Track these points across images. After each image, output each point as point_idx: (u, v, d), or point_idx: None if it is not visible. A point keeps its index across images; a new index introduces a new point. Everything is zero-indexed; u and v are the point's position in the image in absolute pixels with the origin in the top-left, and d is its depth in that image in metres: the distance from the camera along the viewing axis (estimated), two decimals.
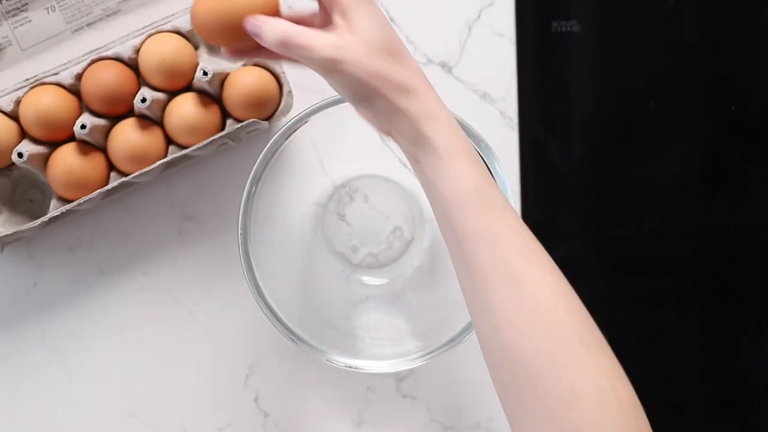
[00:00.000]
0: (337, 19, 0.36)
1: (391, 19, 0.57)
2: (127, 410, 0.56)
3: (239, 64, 0.54)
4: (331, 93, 0.47)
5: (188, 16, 0.52)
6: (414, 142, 0.36)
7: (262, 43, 0.37)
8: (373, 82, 0.35)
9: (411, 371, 0.56)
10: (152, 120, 0.52)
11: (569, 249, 0.59)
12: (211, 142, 0.51)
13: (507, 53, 0.57)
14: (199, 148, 0.51)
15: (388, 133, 0.37)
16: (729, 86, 0.60)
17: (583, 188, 0.59)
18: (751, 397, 0.60)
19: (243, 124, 0.51)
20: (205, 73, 0.50)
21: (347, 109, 0.47)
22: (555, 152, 0.58)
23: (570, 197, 0.59)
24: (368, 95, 0.36)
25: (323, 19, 0.39)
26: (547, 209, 0.58)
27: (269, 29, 0.36)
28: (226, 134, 0.51)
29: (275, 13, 0.38)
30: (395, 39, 0.36)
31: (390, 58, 0.36)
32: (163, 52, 0.51)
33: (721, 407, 0.60)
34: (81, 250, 0.56)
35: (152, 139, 0.52)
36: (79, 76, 0.52)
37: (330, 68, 0.35)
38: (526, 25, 0.57)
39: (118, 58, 0.52)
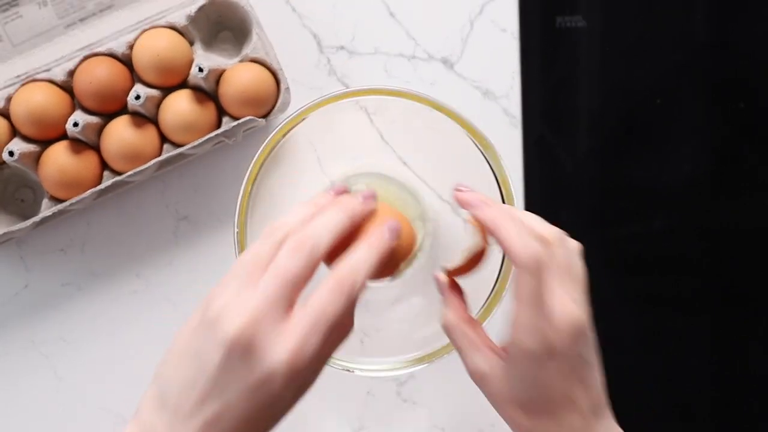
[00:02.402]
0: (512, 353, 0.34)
1: (392, 14, 0.56)
2: (120, 416, 0.55)
3: (235, 59, 0.53)
4: (330, 89, 0.46)
5: (183, 11, 0.51)
6: None
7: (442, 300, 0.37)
8: (500, 414, 0.35)
9: (411, 375, 0.55)
10: (146, 117, 0.52)
11: None
12: (207, 140, 0.50)
13: (510, 49, 0.56)
14: (194, 147, 0.50)
15: None
16: (738, 83, 0.59)
17: (588, 187, 0.58)
18: (758, 399, 0.59)
19: (239, 122, 0.50)
20: (200, 70, 0.50)
21: (346, 107, 0.47)
22: (560, 150, 0.58)
23: (575, 196, 0.58)
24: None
25: None
26: (552, 208, 0.57)
27: (450, 303, 0.37)
28: (222, 132, 0.50)
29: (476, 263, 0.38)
30: (550, 401, 0.33)
31: (529, 415, 0.34)
32: (157, 47, 0.50)
33: (728, 409, 0.59)
34: (73, 252, 0.55)
35: (146, 137, 0.51)
36: (71, 73, 0.51)
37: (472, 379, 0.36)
38: (530, 20, 0.56)
39: (111, 54, 0.51)
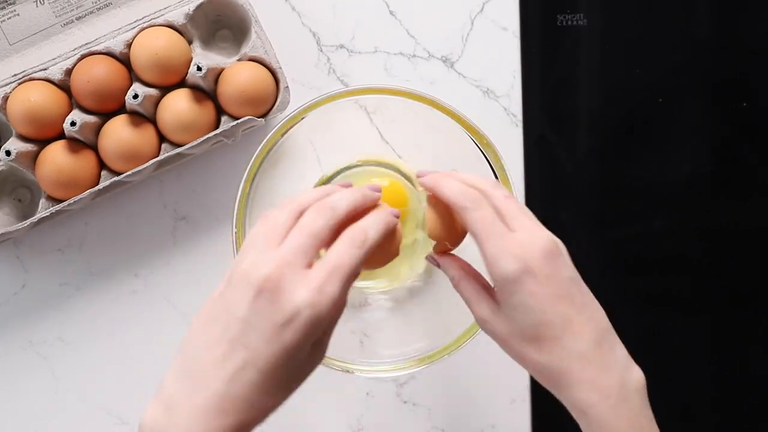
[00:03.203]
0: (497, 292, 0.37)
1: (392, 13, 0.56)
2: (118, 417, 0.55)
3: (234, 58, 0.52)
4: (329, 89, 0.46)
5: (181, 9, 0.51)
6: (572, 409, 0.36)
7: (443, 270, 0.40)
8: (514, 359, 0.37)
9: (411, 376, 0.55)
10: (144, 117, 0.51)
11: (575, 248, 0.57)
12: (205, 140, 0.49)
13: (511, 47, 0.56)
14: (193, 147, 0.50)
15: None
16: (739, 83, 0.59)
17: (589, 187, 0.58)
18: (758, 399, 0.59)
19: (239, 121, 0.50)
20: (199, 69, 0.49)
21: (345, 105, 0.46)
22: (560, 150, 0.58)
23: (576, 196, 0.58)
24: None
25: None
26: (553, 208, 0.57)
27: (449, 267, 0.40)
28: (221, 132, 0.50)
29: (456, 237, 0.41)
30: (546, 322, 0.35)
31: (530, 346, 0.35)
32: (155, 46, 0.50)
33: (728, 409, 0.59)
34: (70, 252, 0.55)
35: (144, 136, 0.51)
36: (68, 72, 0.51)
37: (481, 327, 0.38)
38: (531, 19, 0.56)
39: (109, 53, 0.51)
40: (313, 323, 0.31)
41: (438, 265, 0.41)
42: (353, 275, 0.33)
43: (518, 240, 0.35)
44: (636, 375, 0.35)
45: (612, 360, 0.35)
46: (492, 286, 0.38)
